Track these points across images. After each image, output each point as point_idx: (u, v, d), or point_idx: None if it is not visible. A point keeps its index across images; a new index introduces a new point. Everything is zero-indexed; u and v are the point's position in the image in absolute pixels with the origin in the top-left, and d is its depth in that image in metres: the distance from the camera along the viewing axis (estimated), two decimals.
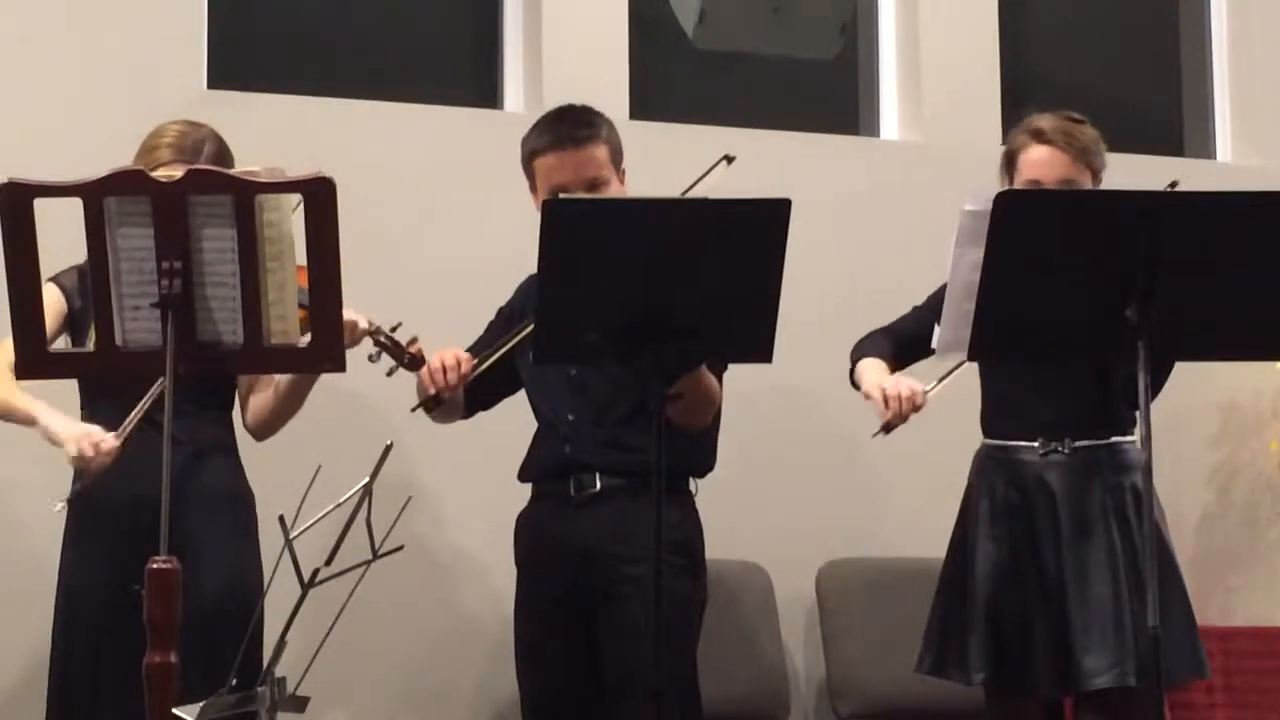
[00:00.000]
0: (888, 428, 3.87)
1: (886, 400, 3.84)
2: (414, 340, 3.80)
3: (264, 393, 3.94)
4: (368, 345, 3.76)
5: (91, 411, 3.78)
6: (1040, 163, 3.95)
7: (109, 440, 3.55)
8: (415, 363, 3.80)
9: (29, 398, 3.67)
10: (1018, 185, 3.97)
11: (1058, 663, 3.84)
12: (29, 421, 3.67)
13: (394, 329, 3.77)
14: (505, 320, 4.06)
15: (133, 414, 3.58)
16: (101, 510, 3.69)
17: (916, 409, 3.84)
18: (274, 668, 3.07)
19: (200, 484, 3.75)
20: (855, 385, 4.06)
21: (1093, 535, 3.87)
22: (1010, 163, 4.02)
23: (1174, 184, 3.72)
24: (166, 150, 3.75)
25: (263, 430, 3.98)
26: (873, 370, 3.99)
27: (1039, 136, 3.97)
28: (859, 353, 4.08)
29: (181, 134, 3.79)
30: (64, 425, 3.63)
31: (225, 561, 3.69)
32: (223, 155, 3.81)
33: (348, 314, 3.65)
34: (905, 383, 3.86)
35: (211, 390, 3.82)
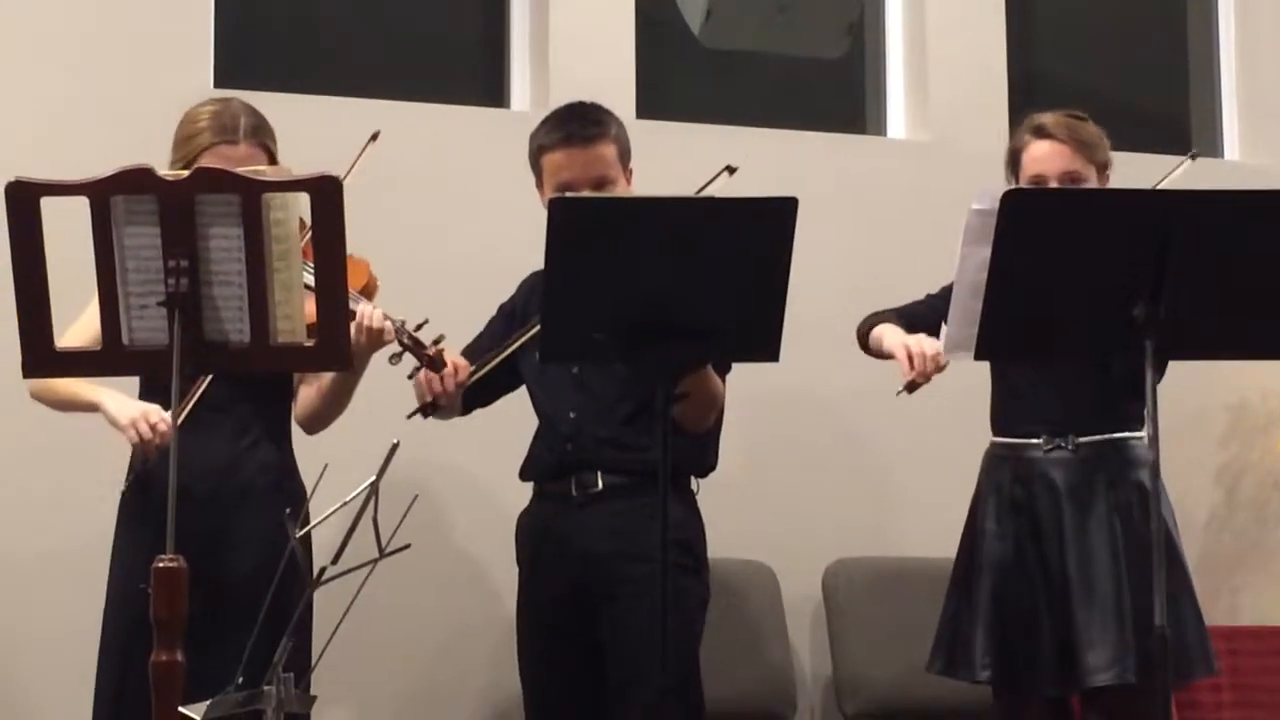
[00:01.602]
0: (911, 386, 3.83)
1: (911, 358, 3.82)
2: (438, 340, 3.78)
3: (310, 387, 3.90)
4: (391, 346, 3.75)
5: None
6: (1043, 157, 3.96)
7: (164, 417, 3.52)
8: (435, 364, 3.79)
9: (89, 384, 3.68)
10: (1022, 182, 3.98)
11: (1061, 660, 3.84)
12: (93, 408, 3.67)
13: (419, 327, 3.76)
14: (507, 317, 4.06)
15: (189, 395, 3.57)
16: (149, 502, 3.67)
17: (940, 369, 3.81)
18: (280, 666, 3.07)
19: (243, 480, 3.73)
20: (866, 349, 4.05)
21: (1096, 532, 3.87)
22: (1014, 161, 4.03)
23: (1194, 154, 3.75)
24: (208, 133, 3.73)
25: (309, 425, 3.93)
26: (893, 331, 3.96)
27: (1040, 132, 3.99)
28: (872, 320, 4.06)
29: (215, 113, 3.76)
30: (121, 408, 3.61)
31: (259, 559, 3.64)
32: (261, 125, 3.78)
33: (377, 318, 3.65)
34: (930, 342, 3.82)
35: (265, 382, 3.79)
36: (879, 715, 5.01)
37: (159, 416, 3.57)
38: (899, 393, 3.84)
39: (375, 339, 3.68)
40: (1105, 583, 3.83)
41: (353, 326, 3.59)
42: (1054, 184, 3.94)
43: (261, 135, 3.76)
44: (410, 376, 3.81)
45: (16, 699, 4.56)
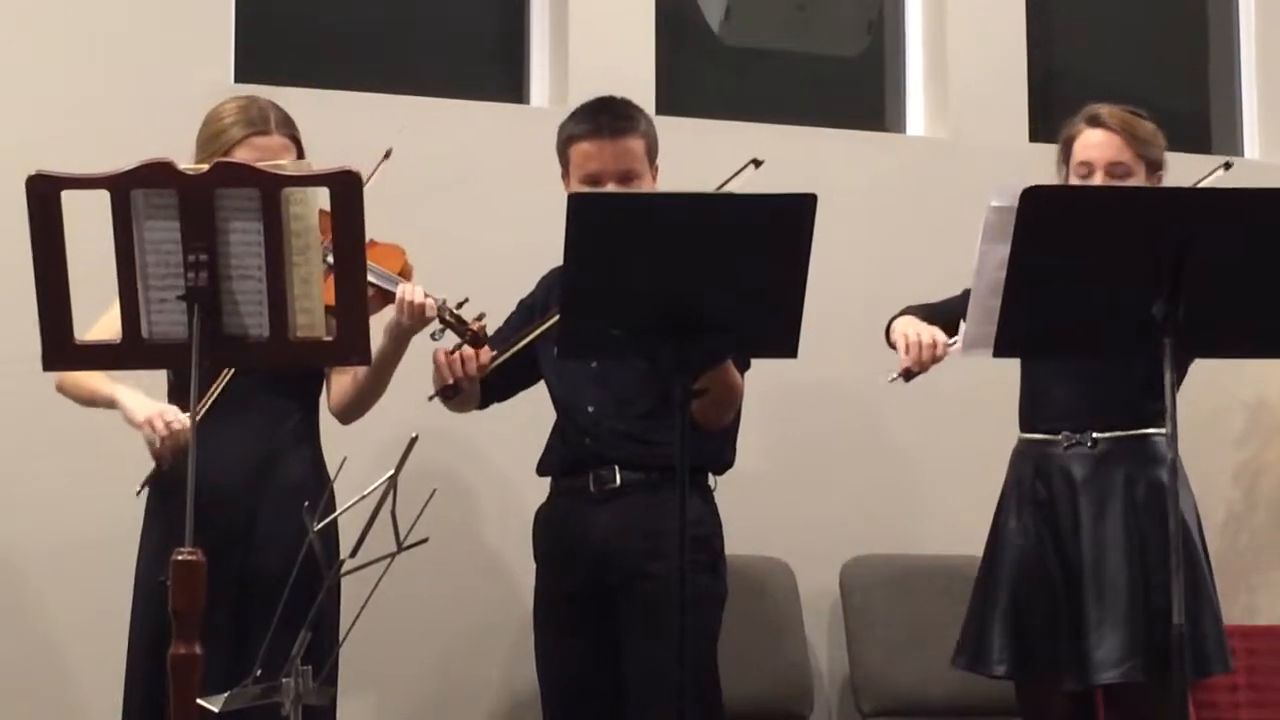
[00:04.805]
0: (906, 374, 3.87)
1: (908, 346, 3.84)
2: (480, 317, 3.79)
3: (344, 376, 3.89)
4: (432, 324, 3.77)
5: (178, 397, 3.73)
6: (1092, 145, 3.98)
7: (181, 419, 3.54)
8: (478, 340, 3.80)
9: (109, 381, 3.71)
10: (1071, 169, 3.99)
11: (1076, 655, 3.85)
12: (110, 404, 3.70)
13: (460, 305, 3.78)
14: (526, 312, 4.06)
15: (208, 394, 3.58)
16: (175, 497, 3.65)
17: (937, 360, 3.84)
18: (298, 659, 3.07)
19: (272, 478, 3.73)
20: (890, 341, 4.07)
21: (1111, 528, 3.88)
22: (1066, 148, 4.04)
23: (1228, 163, 3.76)
24: (238, 126, 3.73)
25: (344, 414, 3.92)
26: (904, 320, 4.00)
27: (1095, 120, 4.01)
28: (899, 314, 4.08)
29: (243, 108, 3.77)
30: (139, 405, 3.63)
31: (289, 557, 3.61)
32: (289, 119, 3.80)
33: (418, 294, 3.66)
34: (930, 331, 3.87)
35: (295, 374, 3.79)
36: (896, 713, 5.01)
37: (175, 416, 3.57)
38: (891, 380, 3.87)
39: (418, 314, 3.69)
40: (1119, 579, 3.84)
41: (395, 306, 3.66)
42: (1100, 173, 3.95)
43: (291, 128, 3.78)
44: (452, 351, 3.81)
45: (53, 689, 4.58)
